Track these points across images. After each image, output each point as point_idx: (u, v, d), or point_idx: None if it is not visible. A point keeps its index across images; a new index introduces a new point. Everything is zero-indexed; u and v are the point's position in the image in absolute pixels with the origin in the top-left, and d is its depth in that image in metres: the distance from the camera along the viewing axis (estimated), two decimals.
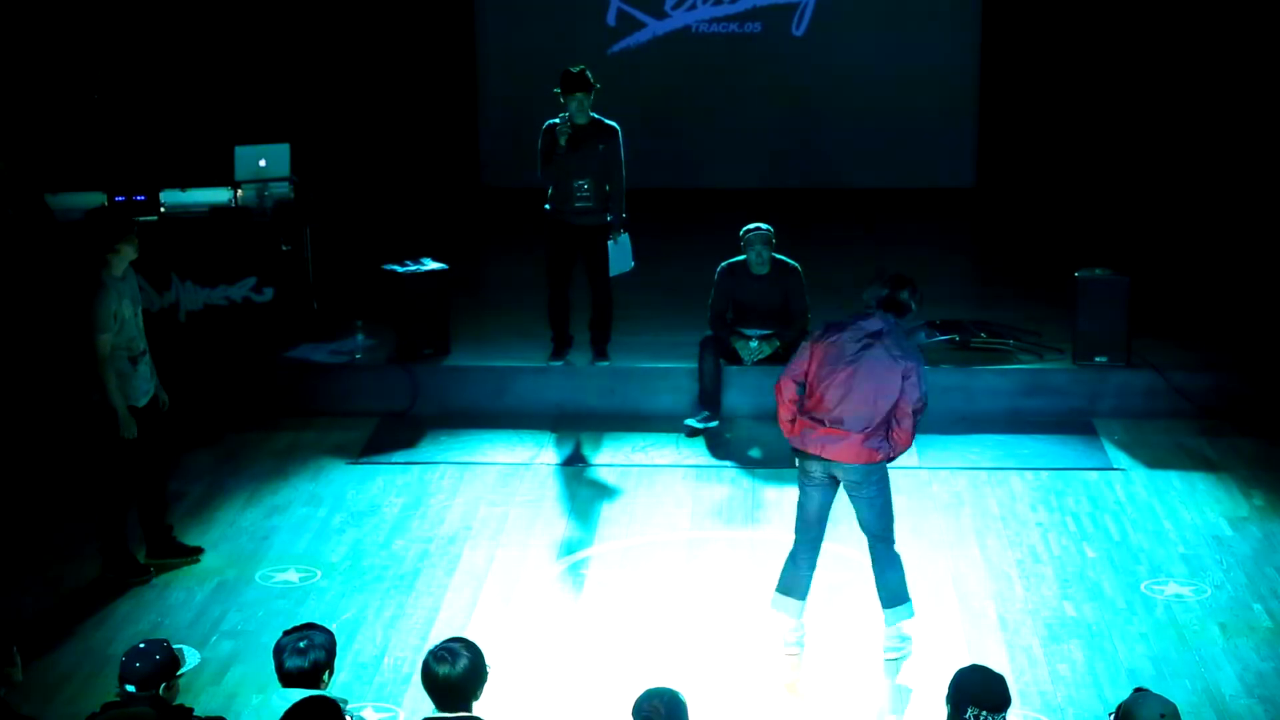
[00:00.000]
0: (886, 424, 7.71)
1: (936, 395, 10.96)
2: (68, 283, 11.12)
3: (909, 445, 7.87)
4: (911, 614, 7.99)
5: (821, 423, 7.74)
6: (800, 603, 7.98)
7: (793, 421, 7.85)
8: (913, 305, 7.87)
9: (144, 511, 8.89)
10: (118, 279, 8.48)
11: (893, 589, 7.95)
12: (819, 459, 7.79)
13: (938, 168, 15.75)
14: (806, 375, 7.80)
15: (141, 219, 11.36)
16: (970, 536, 9.21)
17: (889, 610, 7.96)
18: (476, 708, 5.52)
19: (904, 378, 7.66)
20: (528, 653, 7.93)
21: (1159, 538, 9.18)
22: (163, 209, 11.50)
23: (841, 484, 7.87)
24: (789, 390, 7.86)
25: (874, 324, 7.73)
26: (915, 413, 7.72)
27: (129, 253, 8.53)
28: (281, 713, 5.63)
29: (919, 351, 7.81)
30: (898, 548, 7.99)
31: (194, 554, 8.98)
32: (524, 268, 12.57)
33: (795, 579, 7.97)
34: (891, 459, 7.82)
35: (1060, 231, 14.63)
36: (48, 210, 11.40)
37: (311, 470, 10.19)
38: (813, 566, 8.00)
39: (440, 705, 5.51)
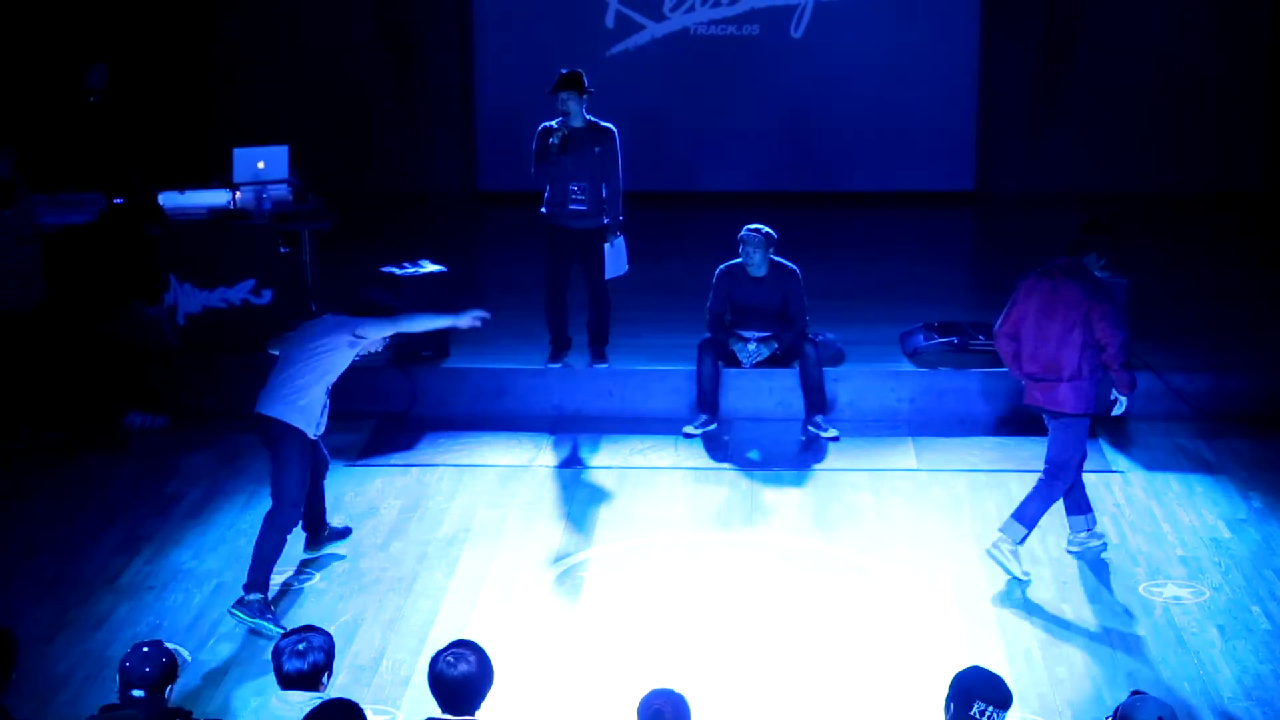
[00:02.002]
0: (1092, 369, 8.27)
1: (934, 398, 11.05)
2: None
3: (1130, 387, 8.45)
4: (1018, 543, 8.53)
5: (1032, 377, 8.43)
6: (1026, 530, 8.55)
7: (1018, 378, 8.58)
8: (1083, 239, 8.44)
9: (309, 509, 8.96)
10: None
11: (1028, 512, 8.54)
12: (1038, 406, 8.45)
13: (937, 170, 15.74)
14: (1015, 328, 8.40)
15: (140, 220, 11.41)
16: (969, 539, 9.19)
17: (1010, 519, 8.59)
18: (478, 712, 5.53)
19: (1088, 318, 8.18)
20: (527, 655, 7.92)
21: (1157, 540, 9.17)
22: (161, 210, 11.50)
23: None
24: (1003, 348, 8.57)
25: (1060, 266, 8.30)
26: (1115, 352, 8.21)
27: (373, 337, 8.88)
28: (279, 714, 5.63)
29: (1103, 290, 8.30)
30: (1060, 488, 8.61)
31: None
32: (521, 270, 12.57)
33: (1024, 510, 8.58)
34: (1114, 406, 8.52)
35: (1060, 232, 14.59)
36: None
37: None
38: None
39: (446, 708, 5.51)
